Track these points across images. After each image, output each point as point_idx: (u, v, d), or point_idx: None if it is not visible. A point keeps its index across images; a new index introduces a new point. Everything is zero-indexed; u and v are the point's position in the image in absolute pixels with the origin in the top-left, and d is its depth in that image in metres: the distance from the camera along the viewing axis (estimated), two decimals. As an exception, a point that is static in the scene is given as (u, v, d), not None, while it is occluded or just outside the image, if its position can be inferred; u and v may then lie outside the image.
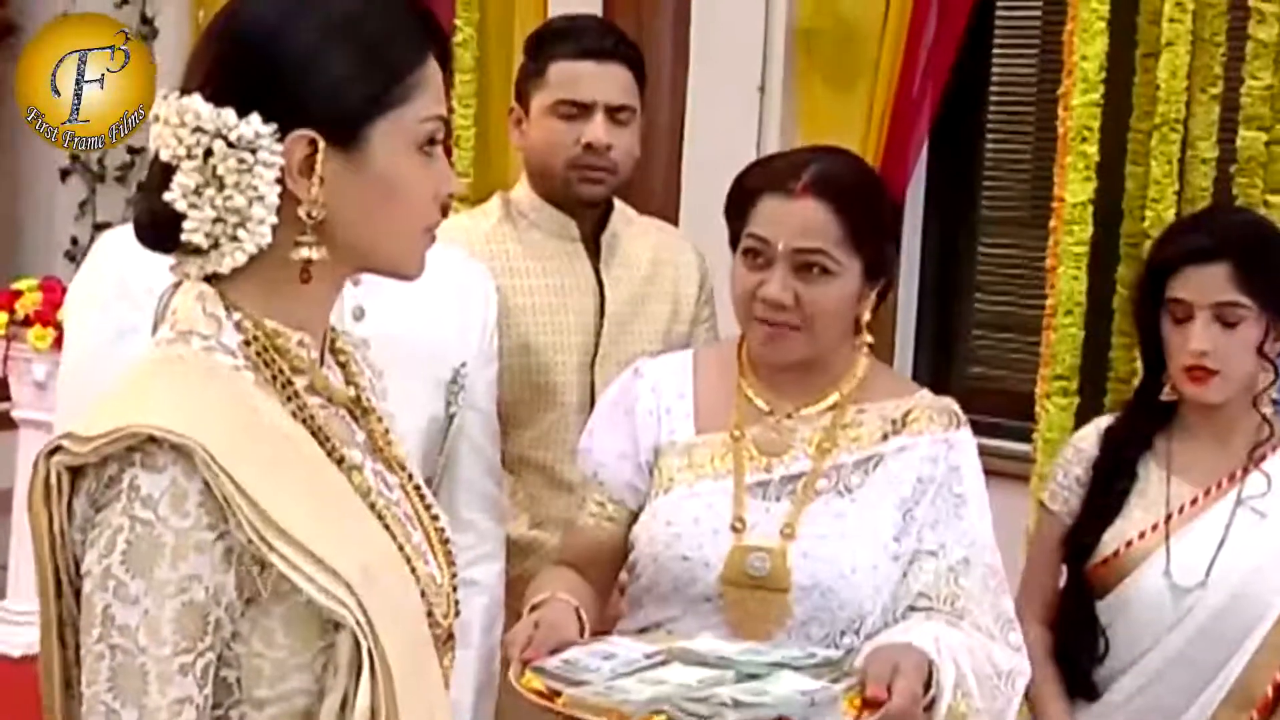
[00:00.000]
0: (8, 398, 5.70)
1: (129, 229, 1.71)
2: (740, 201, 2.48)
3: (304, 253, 1.62)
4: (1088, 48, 3.48)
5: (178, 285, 1.67)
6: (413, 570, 1.69)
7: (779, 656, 2.25)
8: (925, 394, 2.58)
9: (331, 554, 1.56)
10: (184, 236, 1.61)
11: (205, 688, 1.54)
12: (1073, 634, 2.94)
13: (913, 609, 2.41)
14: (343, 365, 1.79)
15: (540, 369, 3.07)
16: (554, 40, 3.10)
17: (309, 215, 1.62)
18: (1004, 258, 4.92)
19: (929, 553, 2.44)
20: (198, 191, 1.60)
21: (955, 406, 2.56)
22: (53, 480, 1.55)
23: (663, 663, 2.22)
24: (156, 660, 1.51)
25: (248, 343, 1.65)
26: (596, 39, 3.08)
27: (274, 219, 1.61)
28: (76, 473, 1.56)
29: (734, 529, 2.43)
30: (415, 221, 1.71)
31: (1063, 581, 3.02)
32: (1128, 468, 2.94)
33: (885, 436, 2.48)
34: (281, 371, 1.66)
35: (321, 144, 1.61)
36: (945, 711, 2.25)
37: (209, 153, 1.60)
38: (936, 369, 4.91)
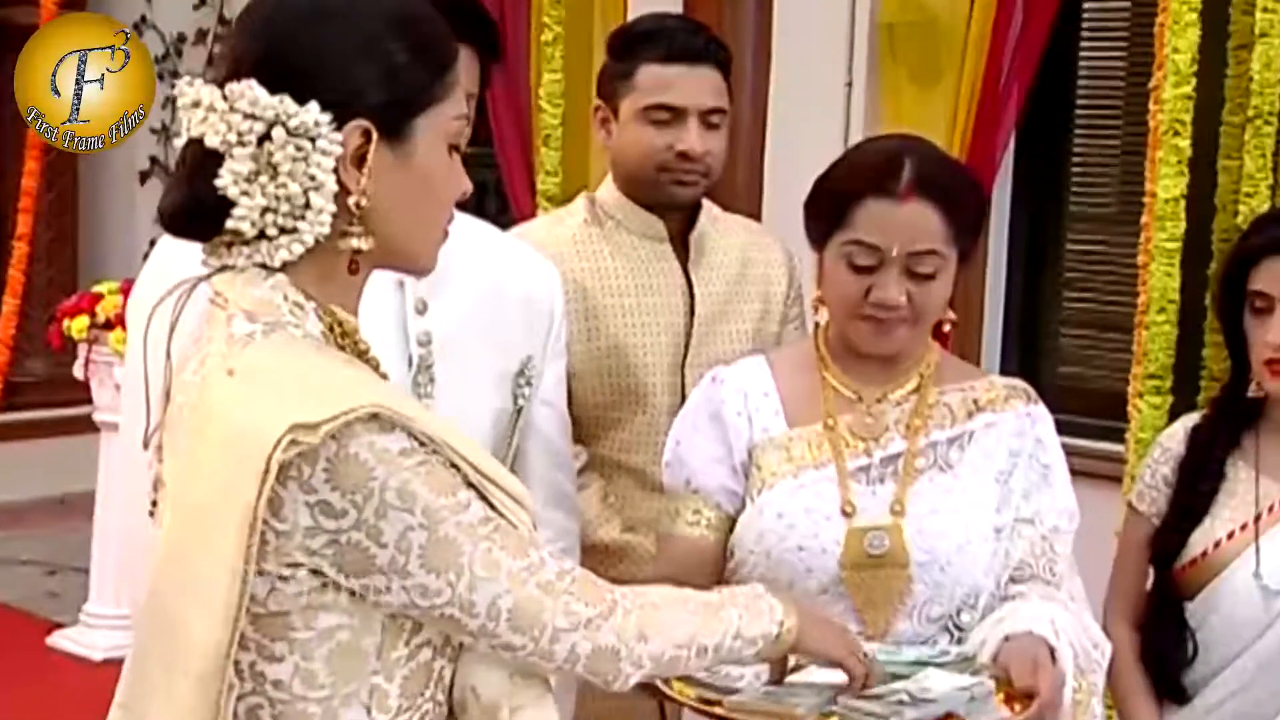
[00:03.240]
0: (89, 401, 5.73)
1: None
2: (835, 206, 2.45)
3: (353, 243, 1.64)
4: (1179, 40, 3.43)
5: (198, 279, 1.68)
6: None
7: (915, 655, 2.26)
8: (995, 377, 2.64)
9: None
10: (231, 224, 1.61)
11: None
12: (1160, 636, 2.89)
13: (1013, 580, 2.44)
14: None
15: (630, 371, 3.05)
16: (642, 42, 3.05)
17: (357, 205, 1.63)
18: (1093, 255, 4.89)
19: (1025, 520, 2.47)
20: (249, 179, 1.60)
21: (1026, 385, 2.59)
22: (272, 471, 1.55)
23: (798, 667, 2.20)
24: (506, 535, 1.69)
25: (330, 329, 1.66)
26: (687, 40, 3.03)
27: (332, 208, 1.62)
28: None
29: (844, 513, 2.43)
30: (441, 219, 1.73)
31: (1149, 583, 2.97)
32: (1215, 467, 2.89)
33: (970, 414, 2.51)
34: (358, 357, 1.68)
35: (375, 135, 1.62)
36: (1070, 696, 2.27)
37: (262, 140, 1.59)
38: (1025, 368, 4.87)
